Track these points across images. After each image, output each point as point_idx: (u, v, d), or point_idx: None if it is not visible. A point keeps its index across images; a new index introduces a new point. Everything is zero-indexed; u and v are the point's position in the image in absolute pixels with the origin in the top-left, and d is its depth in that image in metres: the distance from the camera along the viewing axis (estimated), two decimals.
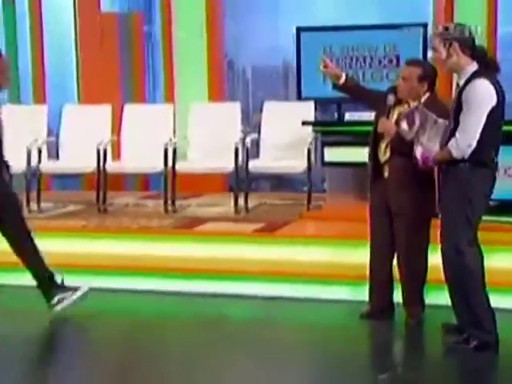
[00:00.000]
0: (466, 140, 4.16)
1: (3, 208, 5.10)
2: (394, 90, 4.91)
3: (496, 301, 4.51)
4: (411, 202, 4.77)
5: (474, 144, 4.16)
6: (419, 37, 7.20)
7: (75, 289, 5.15)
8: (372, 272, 5.01)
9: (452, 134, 4.23)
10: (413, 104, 4.74)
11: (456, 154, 4.19)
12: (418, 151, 4.44)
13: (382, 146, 4.85)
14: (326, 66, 5.09)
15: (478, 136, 4.16)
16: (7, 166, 5.27)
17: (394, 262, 4.97)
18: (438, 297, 4.91)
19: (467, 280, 4.33)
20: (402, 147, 4.60)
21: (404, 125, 4.53)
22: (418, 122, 4.44)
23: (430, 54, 7.40)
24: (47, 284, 5.15)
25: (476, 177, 4.25)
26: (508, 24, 7.81)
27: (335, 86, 5.11)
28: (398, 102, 4.86)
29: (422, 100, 4.75)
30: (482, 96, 4.14)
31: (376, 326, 5.01)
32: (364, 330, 5.03)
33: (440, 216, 4.44)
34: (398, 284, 4.99)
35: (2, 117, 5.13)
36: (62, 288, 5.15)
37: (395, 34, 7.30)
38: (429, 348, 4.82)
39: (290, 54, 7.72)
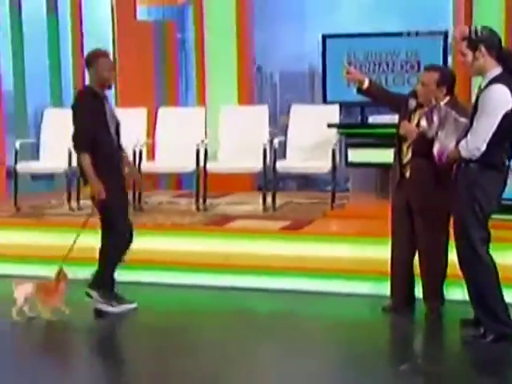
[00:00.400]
0: (476, 142, 4.12)
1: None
2: (414, 94, 4.89)
3: (509, 296, 4.48)
4: (431, 201, 4.75)
5: (483, 147, 4.11)
6: (439, 43, 7.14)
7: (125, 301, 5.15)
8: (393, 268, 4.99)
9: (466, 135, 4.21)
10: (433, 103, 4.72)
11: (464, 154, 4.16)
12: (435, 147, 4.41)
13: (404, 147, 4.84)
14: (348, 73, 5.07)
15: (488, 139, 4.10)
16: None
17: (415, 258, 4.95)
18: (457, 292, 4.87)
19: (482, 276, 4.30)
20: (423, 149, 4.58)
21: (424, 122, 4.51)
22: (436, 120, 4.41)
23: (450, 59, 7.40)
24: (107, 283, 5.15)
25: (485, 179, 4.19)
26: None
27: (359, 91, 5.08)
28: (419, 106, 4.84)
29: (442, 104, 4.71)
30: (497, 101, 4.07)
31: (397, 319, 4.99)
32: (385, 324, 5.01)
33: (452, 215, 4.41)
34: (418, 279, 4.96)
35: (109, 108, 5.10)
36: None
37: (416, 40, 7.25)
38: (448, 341, 4.79)
39: (316, 60, 7.72)
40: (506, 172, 4.28)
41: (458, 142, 4.29)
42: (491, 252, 4.35)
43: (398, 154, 4.88)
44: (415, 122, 4.78)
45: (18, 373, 4.25)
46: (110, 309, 5.08)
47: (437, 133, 4.44)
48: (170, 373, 4.16)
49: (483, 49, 4.12)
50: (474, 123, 4.14)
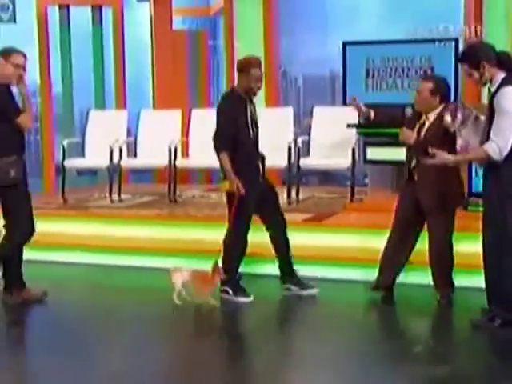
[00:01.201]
0: (505, 143, 4.01)
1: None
2: (413, 105, 4.91)
3: None
4: (439, 200, 4.72)
5: (510, 144, 4.02)
6: (451, 50, 7.02)
7: (308, 286, 5.10)
8: (385, 258, 4.94)
9: (488, 137, 4.08)
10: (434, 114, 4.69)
11: (495, 156, 4.04)
12: (458, 143, 4.35)
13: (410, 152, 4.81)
14: (356, 108, 5.13)
15: None
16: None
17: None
18: (467, 280, 4.89)
19: (504, 266, 4.19)
20: (422, 153, 4.53)
21: (448, 117, 4.47)
22: (460, 116, 4.37)
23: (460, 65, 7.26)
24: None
25: (509, 169, 4.09)
26: None
27: (367, 121, 5.06)
28: (417, 113, 4.81)
29: (437, 111, 4.66)
30: None
31: (409, 305, 4.95)
32: (399, 309, 4.95)
33: (483, 210, 4.29)
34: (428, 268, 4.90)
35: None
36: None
37: (430, 47, 7.13)
38: (458, 326, 4.71)
39: (337, 65, 7.63)
40: None
41: (481, 139, 4.19)
42: None
43: (407, 158, 4.86)
44: (416, 129, 4.74)
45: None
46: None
47: (459, 129, 4.37)
48: None
49: (485, 64, 4.11)
50: (496, 126, 4.02)
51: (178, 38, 8.87)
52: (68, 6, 8.84)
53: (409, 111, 4.88)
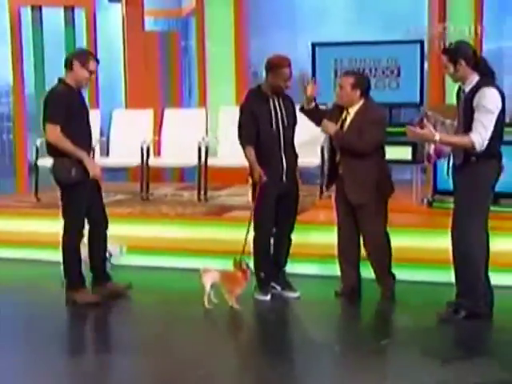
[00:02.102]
0: (486, 135, 4.14)
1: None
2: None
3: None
4: (367, 193, 4.72)
5: (489, 138, 4.15)
6: (417, 51, 7.08)
7: (291, 289, 5.02)
8: (341, 255, 4.94)
9: (466, 130, 4.16)
10: (352, 110, 4.73)
11: (478, 146, 4.14)
12: (431, 148, 4.39)
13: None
14: (307, 87, 4.92)
15: (491, 133, 4.16)
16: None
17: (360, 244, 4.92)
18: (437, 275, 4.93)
19: (471, 260, 4.24)
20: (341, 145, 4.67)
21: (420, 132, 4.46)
22: (430, 126, 4.38)
23: (426, 65, 7.32)
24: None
25: (489, 168, 4.22)
26: (491, 41, 7.66)
27: (302, 109, 4.95)
28: (338, 107, 4.83)
29: (357, 106, 4.70)
30: (496, 101, 4.16)
31: (352, 301, 4.93)
32: (351, 304, 4.94)
33: (454, 205, 4.34)
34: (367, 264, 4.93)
35: None
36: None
37: (396, 48, 7.18)
38: (421, 318, 4.63)
39: (306, 66, 7.60)
40: (501, 160, 4.30)
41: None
42: None
43: (333, 153, 4.87)
44: (339, 123, 4.77)
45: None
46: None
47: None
48: None
49: (463, 62, 4.22)
50: (479, 121, 4.13)
51: (149, 39, 8.81)
52: (40, 7, 8.74)
53: (329, 105, 4.89)
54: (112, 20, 9.53)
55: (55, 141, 4.69)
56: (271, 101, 4.81)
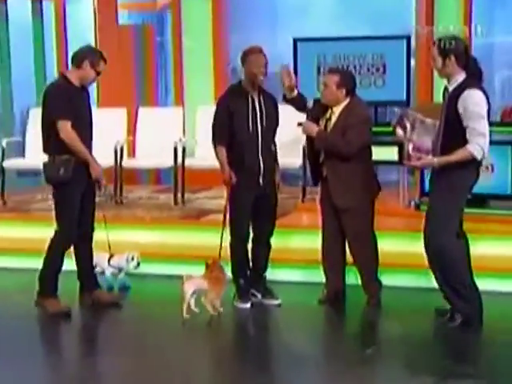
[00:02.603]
0: (486, 141, 4.17)
1: None
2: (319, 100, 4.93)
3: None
4: (353, 196, 4.76)
5: (488, 143, 4.18)
6: (403, 47, 7.13)
7: (272, 296, 5.05)
8: (326, 260, 4.99)
9: (448, 135, 4.19)
10: (337, 109, 4.77)
11: (479, 156, 4.18)
12: (409, 148, 4.40)
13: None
14: (288, 76, 4.93)
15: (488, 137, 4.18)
16: None
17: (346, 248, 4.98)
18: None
19: (449, 264, 4.30)
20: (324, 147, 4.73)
21: (400, 131, 4.49)
22: (408, 125, 4.41)
23: (412, 62, 7.38)
24: None
25: (467, 171, 4.25)
26: (481, 35, 7.72)
27: (284, 98, 4.98)
28: (323, 106, 4.85)
29: (342, 105, 4.73)
30: (482, 104, 4.18)
31: (341, 308, 5.01)
32: (335, 311, 4.99)
33: (428, 208, 4.41)
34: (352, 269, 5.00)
35: None
36: None
37: (382, 44, 7.22)
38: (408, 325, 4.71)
39: (288, 62, 7.63)
40: (481, 163, 4.33)
41: (432, 141, 4.30)
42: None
43: (315, 154, 4.89)
44: (323, 123, 4.81)
45: None
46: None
47: (410, 138, 4.43)
48: None
49: (453, 58, 4.24)
50: (472, 129, 4.14)
51: (123, 34, 8.79)
52: None
53: (310, 103, 4.91)
54: (83, 13, 9.48)
55: (69, 138, 4.74)
56: (250, 98, 4.80)
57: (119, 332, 4.67)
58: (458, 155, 4.20)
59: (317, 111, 4.89)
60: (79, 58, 4.81)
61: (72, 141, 4.75)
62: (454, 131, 4.21)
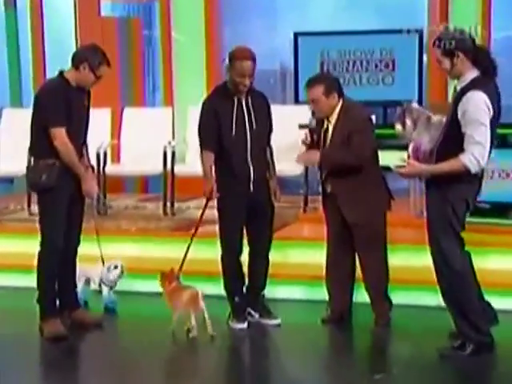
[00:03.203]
0: (484, 154, 4.09)
1: None
2: (313, 113, 4.99)
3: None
4: (365, 211, 4.82)
5: (487, 154, 4.10)
6: (415, 41, 7.19)
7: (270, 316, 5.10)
8: (332, 276, 5.02)
9: (446, 140, 4.17)
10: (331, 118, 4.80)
11: (473, 168, 4.11)
12: (410, 146, 4.42)
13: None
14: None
15: (488, 146, 4.09)
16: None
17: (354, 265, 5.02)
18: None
19: (457, 283, 4.29)
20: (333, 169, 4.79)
21: (398, 126, 4.51)
22: (409, 121, 4.41)
23: (425, 57, 7.45)
24: None
25: (462, 184, 4.19)
26: (502, 29, 7.79)
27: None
28: (320, 121, 4.90)
29: (336, 111, 4.77)
30: (484, 108, 4.06)
31: (346, 328, 5.05)
32: (340, 332, 5.03)
33: (426, 221, 4.41)
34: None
35: None
36: None
37: (391, 38, 7.29)
38: (420, 351, 4.69)
39: (287, 58, 7.71)
40: (482, 174, 4.29)
41: (436, 140, 4.27)
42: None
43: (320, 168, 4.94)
44: (329, 138, 4.83)
45: None
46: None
47: (410, 137, 4.45)
48: None
49: (461, 55, 4.14)
50: (469, 136, 4.07)
51: (106, 27, 8.83)
52: None
53: (312, 122, 4.97)
54: (62, 3, 9.54)
55: (64, 148, 4.76)
56: (237, 100, 4.81)
57: (103, 359, 4.70)
58: (449, 165, 4.13)
59: (320, 128, 4.93)
60: (78, 59, 4.83)
61: (67, 152, 4.77)
62: (452, 137, 4.14)
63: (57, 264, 4.91)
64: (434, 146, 4.26)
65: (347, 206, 4.83)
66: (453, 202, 4.22)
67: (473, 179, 4.22)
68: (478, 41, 4.36)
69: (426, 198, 4.41)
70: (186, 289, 4.82)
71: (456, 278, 4.28)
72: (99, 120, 7.60)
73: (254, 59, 4.75)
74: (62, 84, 4.83)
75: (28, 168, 4.92)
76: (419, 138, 4.35)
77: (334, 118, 4.81)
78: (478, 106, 4.06)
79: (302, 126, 6.80)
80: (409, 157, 4.41)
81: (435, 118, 4.35)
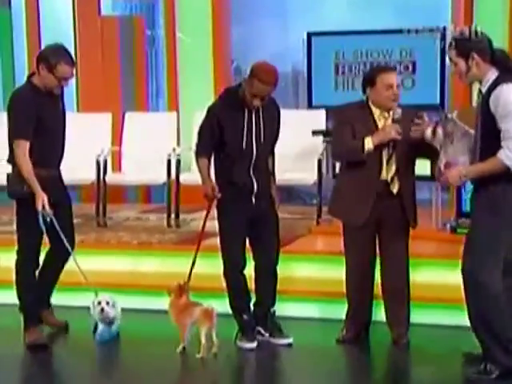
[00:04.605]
0: None
1: None
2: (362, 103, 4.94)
3: None
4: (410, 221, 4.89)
5: None
6: (437, 42, 7.20)
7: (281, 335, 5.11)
8: (356, 294, 5.03)
9: (484, 143, 4.16)
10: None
11: (510, 163, 4.08)
12: (441, 162, 4.42)
13: (384, 161, 4.82)
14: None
15: None
16: None
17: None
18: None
19: (490, 305, 4.26)
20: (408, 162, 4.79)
21: (428, 132, 4.53)
22: (441, 131, 4.43)
23: (448, 60, 7.44)
24: None
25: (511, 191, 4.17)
26: None
27: None
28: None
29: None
30: None
31: (362, 349, 5.05)
32: (356, 353, 5.03)
33: (467, 234, 4.39)
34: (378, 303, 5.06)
35: None
36: None
37: (411, 38, 7.30)
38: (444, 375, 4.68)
39: (300, 60, 7.74)
40: None
41: (471, 161, 4.29)
42: None
43: (372, 168, 4.85)
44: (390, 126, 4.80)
45: None
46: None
47: (441, 146, 4.45)
48: None
49: (476, 56, 4.17)
50: (504, 129, 4.07)
51: (107, 26, 8.88)
52: None
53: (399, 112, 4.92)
54: (60, 2, 9.62)
55: (20, 160, 4.88)
56: (247, 111, 4.83)
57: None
58: (488, 164, 4.14)
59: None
60: (37, 60, 4.89)
61: (22, 165, 4.88)
62: (491, 137, 4.13)
63: (33, 273, 5.09)
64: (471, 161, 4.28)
65: (412, 209, 4.90)
66: (504, 211, 4.17)
67: None
68: (505, 41, 4.37)
69: (473, 206, 4.37)
70: (197, 305, 4.85)
71: (490, 301, 4.25)
72: (99, 125, 7.69)
73: (275, 84, 4.78)
74: (29, 91, 4.91)
75: (8, 176, 5.00)
76: (455, 155, 4.38)
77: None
78: (508, 98, 4.06)
79: (315, 133, 6.84)
80: (440, 171, 4.44)
81: (472, 131, 4.34)
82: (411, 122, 4.64)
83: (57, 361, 5.13)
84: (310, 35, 7.39)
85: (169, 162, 7.01)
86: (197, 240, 6.04)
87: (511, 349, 4.30)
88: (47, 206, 4.93)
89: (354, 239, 4.94)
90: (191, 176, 7.19)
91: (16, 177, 4.93)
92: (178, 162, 7.07)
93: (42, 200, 4.90)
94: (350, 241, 4.98)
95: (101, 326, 5.18)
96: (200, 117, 7.37)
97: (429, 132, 4.52)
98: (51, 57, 4.85)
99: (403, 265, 4.94)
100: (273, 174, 5.12)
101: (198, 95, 8.12)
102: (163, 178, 7.03)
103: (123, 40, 8.88)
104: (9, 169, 5.03)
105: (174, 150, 7.13)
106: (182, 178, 7.06)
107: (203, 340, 4.74)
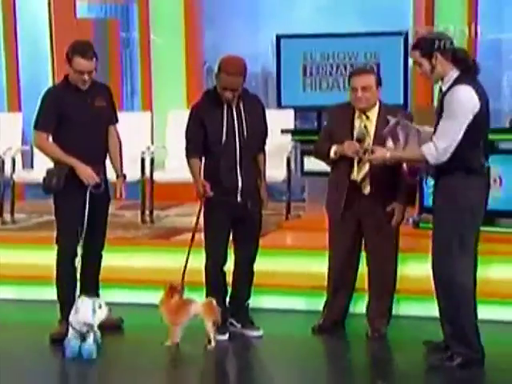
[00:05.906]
0: (445, 145, 4.12)
1: None
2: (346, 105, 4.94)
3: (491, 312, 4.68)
4: (388, 217, 4.87)
5: (451, 150, 4.12)
6: (400, 44, 7.25)
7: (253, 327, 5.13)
8: (334, 285, 5.05)
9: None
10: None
11: (431, 159, 4.16)
12: (405, 164, 4.44)
13: (355, 162, 4.83)
14: None
15: (456, 143, 4.12)
16: None
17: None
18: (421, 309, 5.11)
19: (458, 295, 4.28)
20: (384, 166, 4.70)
21: (390, 143, 4.52)
22: (402, 137, 4.43)
23: (410, 61, 7.49)
24: None
25: (470, 186, 4.21)
26: (489, 32, 7.87)
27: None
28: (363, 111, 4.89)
29: (376, 107, 4.81)
30: (465, 103, 4.11)
31: (336, 339, 5.06)
32: (331, 343, 5.05)
33: (433, 229, 4.41)
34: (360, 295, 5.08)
35: None
36: None
37: (376, 41, 7.34)
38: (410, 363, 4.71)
39: (269, 61, 7.74)
40: (488, 175, 4.31)
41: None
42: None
43: (343, 169, 4.88)
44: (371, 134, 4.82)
45: None
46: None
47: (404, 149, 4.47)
48: None
49: (438, 55, 4.21)
50: (440, 127, 4.16)
51: (82, 28, 8.82)
52: None
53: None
54: (36, 4, 9.53)
55: (40, 148, 5.00)
56: (226, 106, 4.82)
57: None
58: (411, 153, 4.28)
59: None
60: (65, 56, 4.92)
61: (45, 151, 4.97)
62: None
63: (70, 270, 5.02)
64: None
65: (376, 208, 4.85)
66: (465, 210, 4.20)
67: (481, 183, 4.23)
68: (465, 43, 4.43)
69: (435, 206, 4.38)
70: (192, 302, 4.84)
71: (463, 297, 4.27)
72: None
73: (241, 74, 4.77)
74: (60, 85, 5.01)
75: (46, 172, 5.00)
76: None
77: (374, 114, 4.81)
78: (460, 99, 4.11)
79: (283, 131, 6.84)
80: (406, 175, 4.47)
81: (425, 128, 4.36)
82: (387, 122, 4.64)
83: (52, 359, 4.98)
84: (279, 38, 7.39)
85: (143, 160, 6.99)
86: (170, 235, 6.05)
87: (472, 342, 4.33)
88: (95, 176, 4.94)
89: (335, 231, 5.01)
90: (165, 174, 7.19)
91: (49, 173, 4.93)
92: (152, 160, 7.06)
93: (87, 174, 4.90)
94: (331, 232, 5.04)
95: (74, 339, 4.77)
96: (173, 116, 7.50)
97: (390, 143, 4.53)
98: (70, 51, 4.88)
99: (385, 260, 4.93)
100: (263, 172, 5.07)
101: (171, 95, 8.13)
102: (137, 176, 7.00)
103: (99, 42, 8.81)
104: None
105: (148, 148, 7.12)
106: (155, 175, 7.05)
107: (211, 332, 4.76)
